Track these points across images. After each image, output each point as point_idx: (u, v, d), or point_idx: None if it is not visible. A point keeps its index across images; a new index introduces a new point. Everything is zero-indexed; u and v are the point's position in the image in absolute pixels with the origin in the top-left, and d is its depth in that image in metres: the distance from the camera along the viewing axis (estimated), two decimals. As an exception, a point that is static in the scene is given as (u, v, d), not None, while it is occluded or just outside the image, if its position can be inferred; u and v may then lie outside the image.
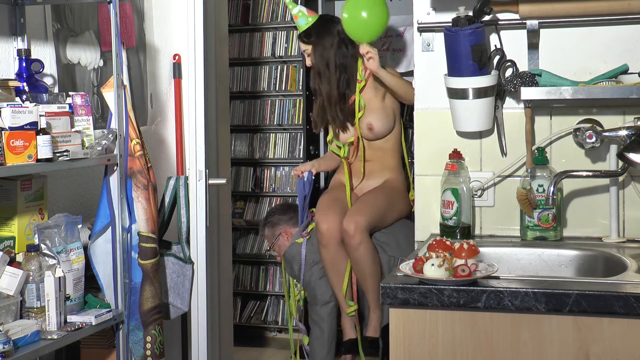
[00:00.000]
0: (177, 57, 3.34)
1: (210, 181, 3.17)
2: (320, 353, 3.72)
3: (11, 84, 2.39)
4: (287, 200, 5.22)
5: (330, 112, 3.76)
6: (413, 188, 3.87)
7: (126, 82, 2.63)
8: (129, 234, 2.66)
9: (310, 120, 4.92)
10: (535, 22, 2.58)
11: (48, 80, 2.63)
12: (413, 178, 3.23)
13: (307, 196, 3.82)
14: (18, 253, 2.35)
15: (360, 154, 3.79)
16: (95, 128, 2.56)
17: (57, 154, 2.31)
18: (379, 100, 3.78)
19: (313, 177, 3.88)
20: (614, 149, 2.53)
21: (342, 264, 3.64)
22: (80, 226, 2.50)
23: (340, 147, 3.82)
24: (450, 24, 2.56)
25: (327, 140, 3.91)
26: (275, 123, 5.29)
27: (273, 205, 5.18)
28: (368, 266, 3.57)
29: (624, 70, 2.51)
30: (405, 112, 4.82)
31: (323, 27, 3.75)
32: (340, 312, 3.80)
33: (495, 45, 2.65)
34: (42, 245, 2.35)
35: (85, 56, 2.86)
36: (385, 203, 3.69)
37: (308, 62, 3.82)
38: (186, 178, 3.13)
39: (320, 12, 5.01)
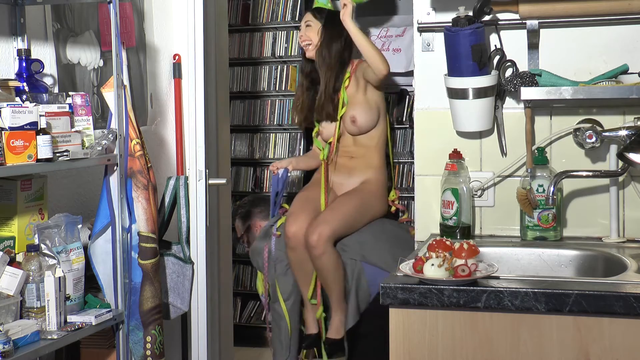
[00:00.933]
0: (177, 57, 3.34)
1: (210, 181, 3.17)
2: (279, 351, 3.74)
3: (11, 84, 2.39)
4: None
5: (322, 102, 3.80)
6: (394, 188, 3.98)
7: (126, 82, 2.62)
8: (129, 234, 2.66)
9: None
10: (535, 22, 2.58)
11: (48, 80, 2.63)
12: (413, 178, 3.23)
13: (279, 192, 3.84)
14: (18, 253, 2.35)
15: (343, 151, 3.81)
16: (95, 128, 2.56)
17: (57, 154, 2.31)
18: (361, 93, 3.79)
19: (288, 175, 3.90)
20: (614, 149, 2.53)
21: (308, 264, 3.65)
22: (80, 226, 2.50)
23: (321, 148, 3.86)
24: (450, 24, 2.56)
25: (313, 134, 3.94)
26: (275, 123, 5.29)
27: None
28: (330, 274, 3.59)
29: (624, 70, 2.51)
30: (405, 113, 4.84)
31: (336, 20, 3.77)
32: (303, 308, 3.82)
33: (495, 45, 2.65)
34: (42, 245, 2.35)
35: (85, 56, 2.85)
36: (356, 210, 3.70)
37: (304, 32, 3.84)
38: (186, 178, 3.13)
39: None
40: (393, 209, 3.93)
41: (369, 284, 3.61)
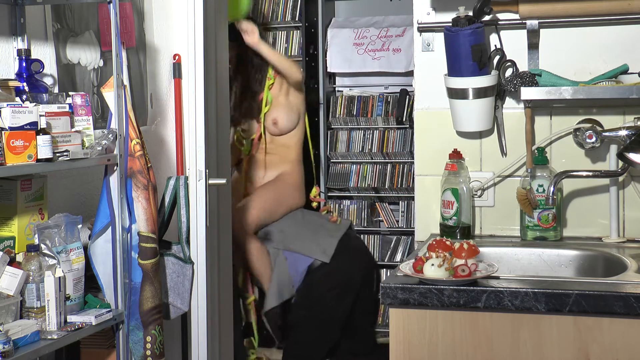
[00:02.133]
0: (177, 57, 3.34)
1: (210, 181, 3.17)
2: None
3: (11, 84, 2.39)
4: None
5: (243, 100, 4.18)
6: (316, 185, 4.44)
7: (126, 82, 2.62)
8: (129, 234, 2.66)
9: (310, 120, 4.95)
10: (535, 22, 2.58)
11: (48, 80, 2.63)
12: (413, 178, 3.25)
13: None
14: (18, 253, 2.35)
15: (262, 148, 4.18)
16: (95, 128, 2.55)
17: (57, 154, 2.31)
18: (283, 95, 4.15)
19: None
20: (614, 149, 2.53)
21: (236, 258, 3.92)
22: (80, 226, 2.50)
23: (243, 144, 4.23)
24: (450, 24, 2.56)
25: (235, 138, 4.27)
26: (275, 123, 5.28)
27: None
28: (259, 260, 3.94)
29: (624, 70, 2.51)
30: (405, 113, 4.84)
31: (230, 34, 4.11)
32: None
33: (495, 45, 2.65)
34: (42, 245, 2.35)
35: (85, 56, 2.85)
36: (273, 200, 4.07)
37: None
38: (186, 178, 3.12)
39: (320, 12, 5.02)
40: (315, 204, 4.38)
41: (290, 270, 3.98)
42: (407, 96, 4.88)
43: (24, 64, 2.47)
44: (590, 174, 2.53)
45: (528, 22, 2.59)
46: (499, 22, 2.63)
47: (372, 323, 4.44)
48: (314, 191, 4.36)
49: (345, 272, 4.08)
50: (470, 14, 2.54)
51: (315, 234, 4.06)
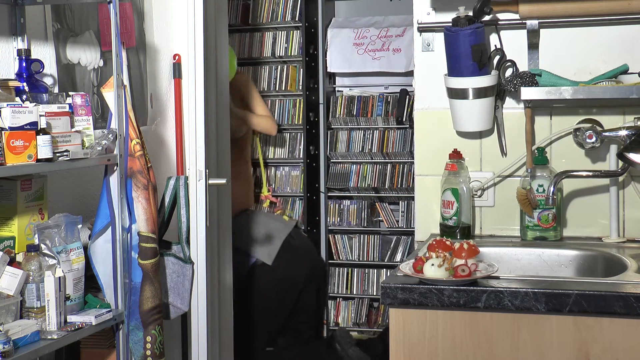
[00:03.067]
0: (177, 57, 3.34)
1: (210, 181, 3.17)
2: None
3: (11, 84, 2.39)
4: (287, 200, 5.23)
5: None
6: (267, 185, 4.77)
7: (126, 82, 2.62)
8: (129, 234, 2.66)
9: (310, 120, 4.95)
10: (535, 22, 2.59)
11: (48, 80, 2.63)
12: (413, 178, 3.24)
13: None
14: (18, 253, 2.35)
15: None
16: (95, 128, 2.55)
17: (57, 154, 2.31)
18: (231, 105, 4.35)
19: None
20: (614, 149, 2.53)
21: None
22: (80, 226, 2.50)
23: None
24: (450, 24, 2.56)
25: None
26: (275, 123, 5.29)
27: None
28: None
29: (624, 70, 2.51)
30: (405, 113, 4.84)
31: None
32: None
33: (495, 45, 2.65)
34: (42, 245, 2.35)
35: (85, 56, 2.85)
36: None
37: None
38: (186, 178, 3.12)
39: (320, 12, 5.02)
40: (267, 203, 4.68)
41: (237, 266, 4.15)
42: (407, 96, 4.88)
43: (24, 64, 2.47)
44: (590, 174, 2.53)
45: (528, 22, 2.59)
46: (499, 22, 2.63)
47: (318, 317, 4.77)
48: (265, 190, 4.74)
49: (287, 269, 4.37)
50: (470, 14, 2.55)
51: (261, 236, 4.37)
